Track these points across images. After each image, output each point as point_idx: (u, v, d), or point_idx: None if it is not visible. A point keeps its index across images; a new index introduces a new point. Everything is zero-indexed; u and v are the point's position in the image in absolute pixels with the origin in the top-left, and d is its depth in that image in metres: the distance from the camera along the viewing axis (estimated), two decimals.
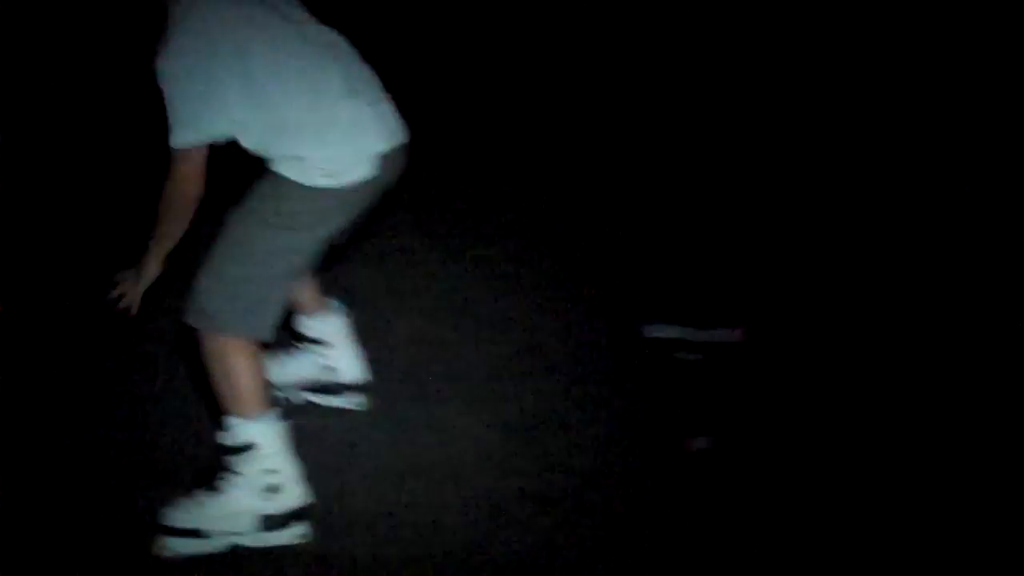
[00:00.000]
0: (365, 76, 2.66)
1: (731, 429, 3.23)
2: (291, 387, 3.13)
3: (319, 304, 3.06)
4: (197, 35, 2.41)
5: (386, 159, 2.61)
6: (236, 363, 2.53)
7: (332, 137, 2.54)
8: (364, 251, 4.16)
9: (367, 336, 3.44)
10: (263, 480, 2.54)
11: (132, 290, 2.54)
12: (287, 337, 3.08)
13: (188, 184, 2.47)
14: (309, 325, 3.07)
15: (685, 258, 4.33)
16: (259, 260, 2.55)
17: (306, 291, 2.99)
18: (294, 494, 2.58)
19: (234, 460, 2.54)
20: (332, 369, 3.11)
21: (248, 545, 2.58)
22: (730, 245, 4.45)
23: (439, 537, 2.71)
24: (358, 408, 3.19)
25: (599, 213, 4.83)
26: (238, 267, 2.54)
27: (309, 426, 3.02)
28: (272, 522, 2.56)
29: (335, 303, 3.13)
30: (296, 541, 2.60)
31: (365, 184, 2.59)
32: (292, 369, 3.11)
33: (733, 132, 4.40)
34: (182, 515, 2.56)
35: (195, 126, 2.44)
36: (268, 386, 2.60)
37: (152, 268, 2.52)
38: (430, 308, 3.93)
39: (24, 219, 4.13)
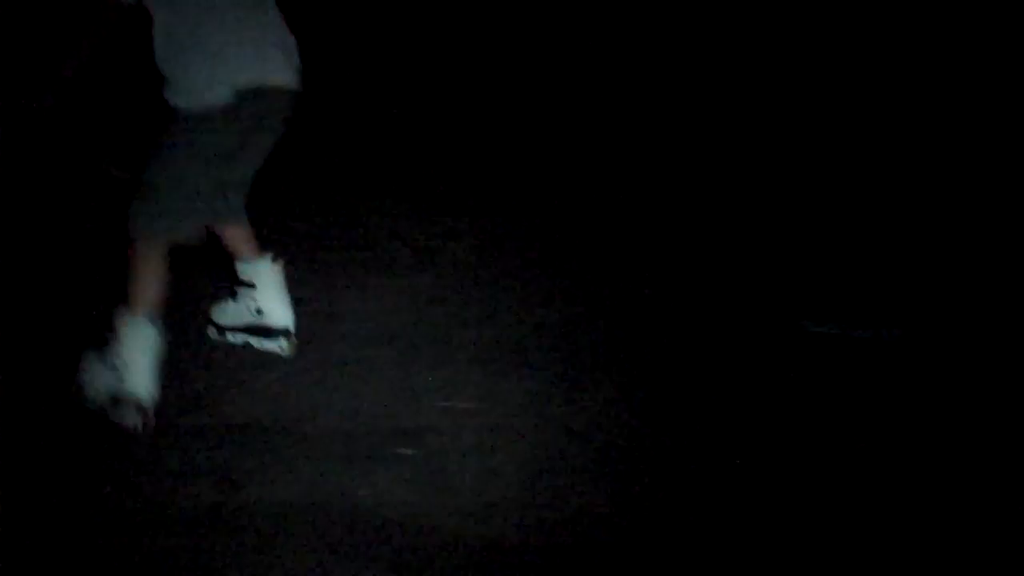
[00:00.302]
0: (266, 21, 3.01)
1: (890, 428, 3.09)
2: (230, 329, 3.43)
3: (251, 250, 3.35)
4: None
5: (255, 95, 2.93)
6: (141, 271, 3.00)
7: (195, 59, 2.90)
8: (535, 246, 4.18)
9: (508, 324, 3.43)
10: (112, 361, 2.98)
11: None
12: (232, 283, 3.39)
13: (93, 25, 2.91)
14: (242, 269, 3.36)
15: (847, 254, 4.21)
16: (164, 172, 2.97)
17: (238, 238, 3.32)
18: (135, 385, 2.95)
19: (107, 337, 2.99)
20: (261, 312, 3.36)
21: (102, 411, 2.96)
22: (894, 243, 4.31)
23: (586, 529, 2.65)
24: (283, 353, 3.36)
25: (752, 205, 4.72)
26: (151, 177, 2.98)
27: (502, 424, 3.07)
28: (114, 400, 2.96)
29: (268, 252, 3.36)
30: (126, 423, 2.93)
31: (226, 111, 2.91)
32: (231, 312, 3.42)
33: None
34: (83, 361, 3.02)
35: None
36: (156, 301, 3.00)
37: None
38: (574, 297, 3.88)
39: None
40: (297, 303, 3.42)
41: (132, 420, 2.94)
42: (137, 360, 2.97)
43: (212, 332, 3.43)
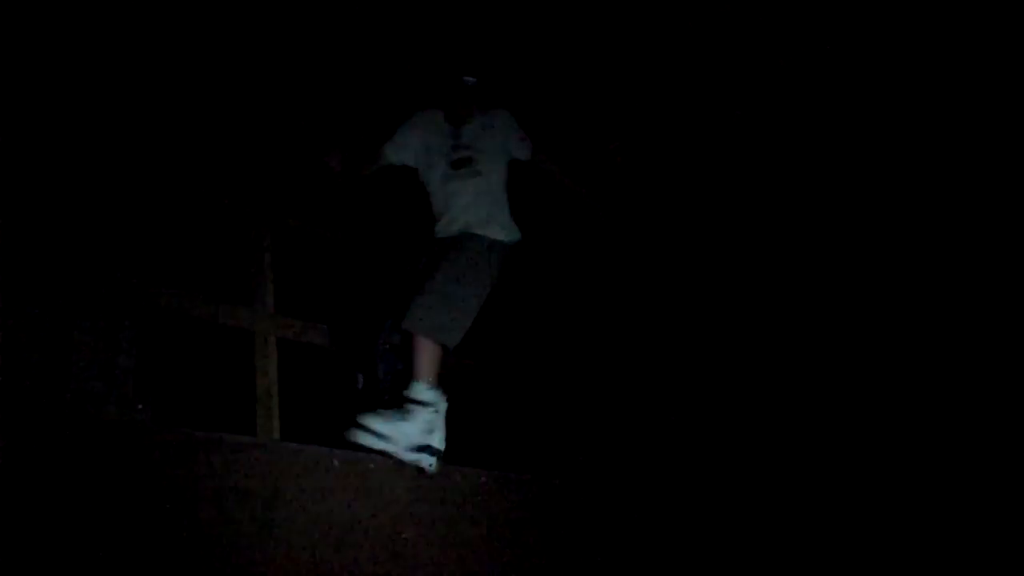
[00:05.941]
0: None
1: None
2: (399, 444, 3.78)
3: (435, 377, 3.90)
4: None
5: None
6: (427, 355, 3.83)
7: (506, 203, 4.32)
8: None
9: None
10: (426, 421, 3.76)
11: None
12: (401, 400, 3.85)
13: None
14: (418, 390, 3.85)
15: None
16: (459, 287, 3.89)
17: (437, 362, 3.89)
18: (440, 439, 3.80)
19: (416, 407, 3.78)
20: (432, 432, 3.84)
21: (398, 456, 3.72)
22: None
23: None
24: (430, 470, 3.82)
25: None
26: (453, 292, 3.87)
27: None
28: (419, 448, 3.76)
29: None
30: (424, 465, 3.76)
31: (509, 248, 4.19)
32: (401, 426, 3.78)
33: None
34: (377, 421, 3.70)
35: None
36: (437, 374, 3.82)
37: None
38: None
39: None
40: None
41: (429, 463, 3.75)
42: (439, 422, 3.80)
43: (358, 435, 3.71)
